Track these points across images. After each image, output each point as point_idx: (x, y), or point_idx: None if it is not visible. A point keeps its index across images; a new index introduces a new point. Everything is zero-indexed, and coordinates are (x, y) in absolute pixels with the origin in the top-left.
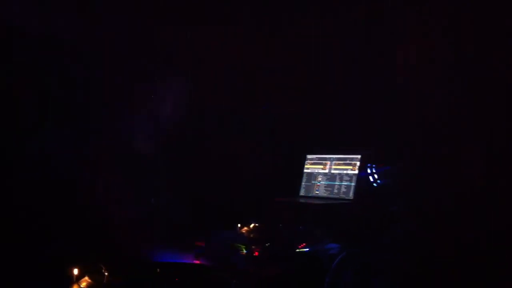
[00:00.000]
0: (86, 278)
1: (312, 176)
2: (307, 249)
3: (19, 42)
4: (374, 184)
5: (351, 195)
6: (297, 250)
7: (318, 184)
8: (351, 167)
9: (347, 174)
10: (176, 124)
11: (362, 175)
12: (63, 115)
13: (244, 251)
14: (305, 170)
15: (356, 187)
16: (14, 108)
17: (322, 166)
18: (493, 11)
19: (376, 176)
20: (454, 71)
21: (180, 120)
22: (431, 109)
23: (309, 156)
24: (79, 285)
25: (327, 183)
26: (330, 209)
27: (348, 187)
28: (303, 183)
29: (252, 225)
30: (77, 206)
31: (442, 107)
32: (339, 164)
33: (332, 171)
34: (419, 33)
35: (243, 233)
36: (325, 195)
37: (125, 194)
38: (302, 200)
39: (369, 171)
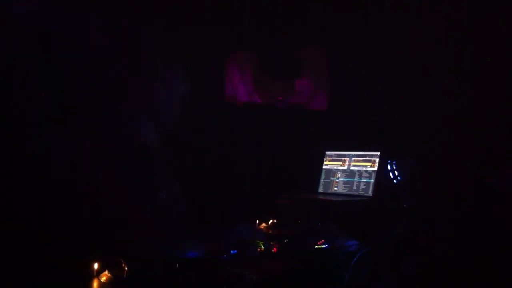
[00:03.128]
0: (106, 272)
1: (331, 172)
2: (326, 246)
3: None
4: (394, 181)
5: (370, 192)
6: (316, 246)
7: (337, 181)
8: (370, 163)
9: (366, 171)
10: (192, 119)
11: (381, 172)
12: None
13: (262, 247)
14: (324, 167)
15: (375, 184)
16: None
17: (341, 163)
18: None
19: (396, 172)
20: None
21: (196, 114)
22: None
23: (327, 153)
24: (99, 280)
25: (346, 179)
26: (349, 206)
27: (367, 184)
28: (321, 180)
29: (270, 221)
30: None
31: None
32: (358, 161)
33: (351, 168)
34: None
35: (261, 229)
36: (344, 192)
37: (134, 189)
38: (321, 197)
39: (389, 167)
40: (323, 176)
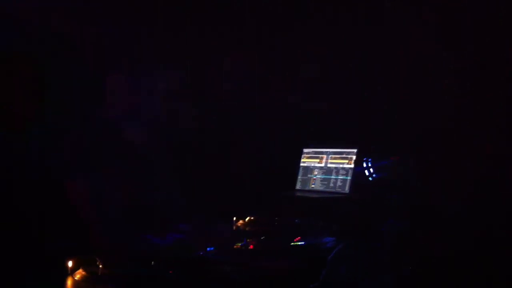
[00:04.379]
0: (81, 270)
1: (308, 170)
2: (303, 243)
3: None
4: (370, 178)
5: (347, 189)
6: (293, 243)
7: (314, 178)
8: (347, 161)
9: (343, 168)
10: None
11: (358, 169)
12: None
13: (239, 244)
14: (301, 164)
15: (352, 181)
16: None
17: (318, 160)
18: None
19: (371, 170)
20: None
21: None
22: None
23: (305, 150)
24: (73, 278)
25: (323, 177)
26: (325, 202)
27: (344, 181)
28: (299, 177)
29: (247, 218)
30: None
31: (441, 103)
32: (335, 158)
33: (328, 165)
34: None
35: (238, 226)
36: (321, 188)
37: (120, 187)
38: (298, 194)
39: (364, 165)
40: (300, 173)
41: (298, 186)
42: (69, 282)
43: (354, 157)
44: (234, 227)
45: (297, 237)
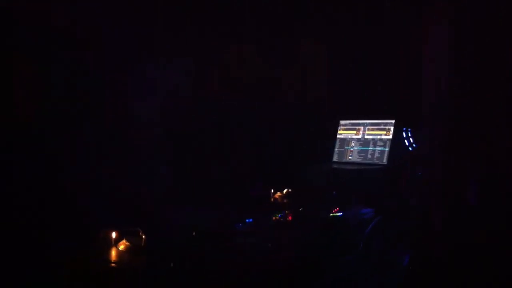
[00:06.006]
0: (124, 241)
1: (345, 141)
2: (341, 214)
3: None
4: (410, 148)
5: (385, 160)
6: (331, 214)
7: (351, 149)
8: (384, 132)
9: (381, 139)
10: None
11: (396, 140)
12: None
13: (278, 216)
14: (338, 136)
15: (390, 152)
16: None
17: (355, 132)
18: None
19: (411, 140)
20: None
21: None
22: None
23: (342, 122)
24: (117, 248)
25: (360, 148)
26: (363, 174)
27: (381, 152)
28: (336, 149)
29: (285, 191)
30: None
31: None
32: (372, 129)
33: (366, 137)
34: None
35: (276, 198)
36: (358, 160)
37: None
38: (335, 166)
39: (404, 135)
40: (337, 145)
41: (335, 158)
42: (112, 252)
43: (392, 128)
44: (272, 199)
45: (335, 208)
